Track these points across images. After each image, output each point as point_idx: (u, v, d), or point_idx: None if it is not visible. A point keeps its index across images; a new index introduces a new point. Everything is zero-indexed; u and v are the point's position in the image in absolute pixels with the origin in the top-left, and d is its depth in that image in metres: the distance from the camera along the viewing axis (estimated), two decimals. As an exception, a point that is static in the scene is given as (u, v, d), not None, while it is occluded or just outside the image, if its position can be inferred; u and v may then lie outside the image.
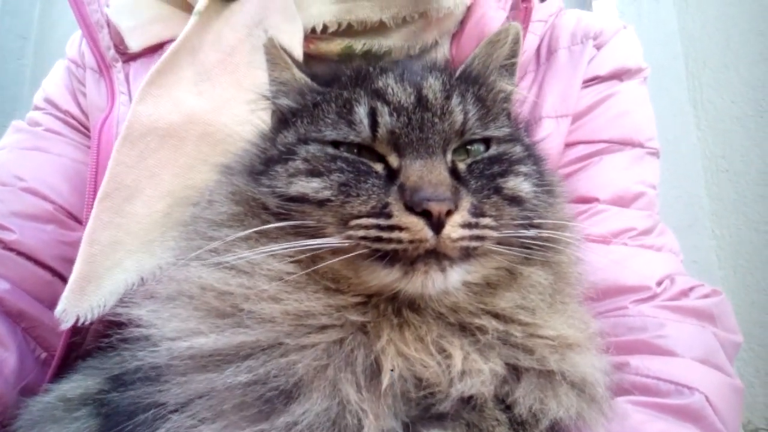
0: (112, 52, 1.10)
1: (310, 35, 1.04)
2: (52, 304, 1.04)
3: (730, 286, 2.03)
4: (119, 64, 1.09)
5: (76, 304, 0.89)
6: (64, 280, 1.06)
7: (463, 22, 1.12)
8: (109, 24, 1.11)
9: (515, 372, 0.64)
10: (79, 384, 0.84)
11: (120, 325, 0.94)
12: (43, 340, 1.04)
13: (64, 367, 0.98)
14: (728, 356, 0.86)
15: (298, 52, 1.00)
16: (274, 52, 0.81)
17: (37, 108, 1.24)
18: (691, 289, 0.92)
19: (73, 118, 1.20)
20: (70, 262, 1.01)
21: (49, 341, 1.04)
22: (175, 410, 0.60)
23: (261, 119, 0.85)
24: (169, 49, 0.97)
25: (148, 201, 0.92)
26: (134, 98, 0.95)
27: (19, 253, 1.04)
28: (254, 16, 1.00)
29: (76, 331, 0.99)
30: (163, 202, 0.93)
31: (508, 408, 0.63)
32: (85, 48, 1.19)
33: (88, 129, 1.18)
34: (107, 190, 0.92)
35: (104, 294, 0.90)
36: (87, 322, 0.90)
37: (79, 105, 1.20)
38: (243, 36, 0.99)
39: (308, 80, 0.79)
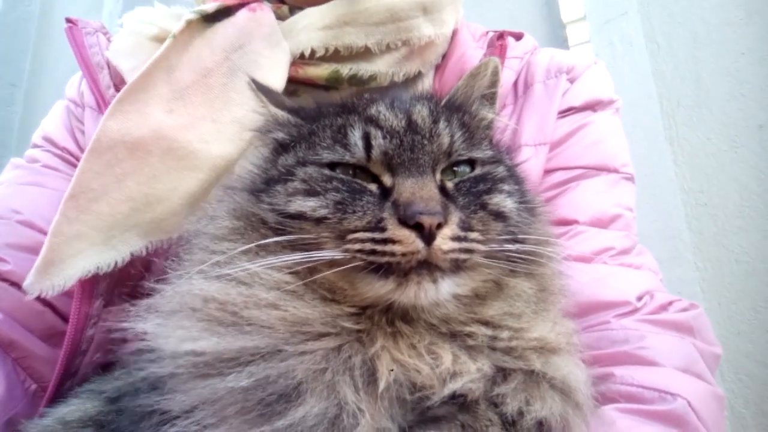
0: (112, 91, 1.14)
1: (299, 60, 1.09)
2: (42, 335, 1.06)
3: (715, 318, 2.04)
4: None
5: (40, 281, 0.94)
6: (54, 310, 1.08)
7: (445, 57, 1.19)
8: (108, 65, 1.16)
9: (503, 373, 0.67)
10: (78, 407, 0.85)
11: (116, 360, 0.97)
12: (34, 371, 1.04)
13: (58, 396, 0.97)
14: (709, 367, 0.89)
15: (281, 77, 1.05)
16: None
17: (35, 146, 1.27)
18: (670, 303, 0.96)
19: (71, 154, 1.23)
20: (63, 293, 1.02)
21: (40, 372, 1.04)
22: (179, 417, 0.62)
23: (229, 139, 0.93)
24: (142, 69, 1.01)
25: (113, 203, 0.97)
26: (105, 113, 0.99)
27: (12, 284, 1.05)
28: (234, 41, 1.05)
29: (72, 356, 1.00)
30: (126, 205, 0.97)
31: (500, 410, 0.66)
32: (84, 88, 1.24)
33: None
34: (73, 192, 0.96)
35: (64, 277, 0.95)
36: (47, 295, 0.95)
37: (77, 142, 1.24)
38: (220, 59, 1.04)
39: (284, 113, 0.84)
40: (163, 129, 0.99)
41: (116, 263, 0.98)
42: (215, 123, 0.99)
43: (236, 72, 1.03)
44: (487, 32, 1.27)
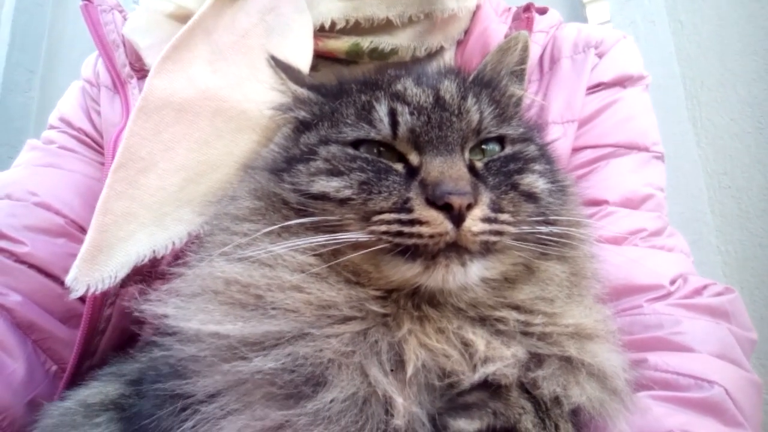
0: (127, 69, 1.13)
1: (319, 33, 1.06)
2: (62, 317, 1.06)
3: (738, 302, 2.02)
4: (134, 81, 1.12)
5: (87, 273, 0.89)
6: None
7: (467, 33, 1.16)
8: (124, 43, 1.14)
9: (537, 359, 0.64)
10: (99, 390, 0.84)
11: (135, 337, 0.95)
12: (54, 353, 1.04)
13: (77, 377, 0.98)
14: (744, 352, 0.86)
15: (310, 44, 1.03)
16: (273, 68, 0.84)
17: (51, 127, 1.26)
18: (705, 287, 0.93)
19: (87, 135, 1.22)
20: None
21: (60, 354, 1.05)
22: (203, 402, 0.61)
23: (273, 99, 0.86)
24: (184, 28, 0.98)
25: (163, 174, 0.93)
26: (150, 73, 0.97)
27: (31, 266, 1.04)
28: (267, 4, 1.03)
29: (90, 336, 1.00)
30: (178, 176, 0.93)
31: (533, 397, 0.63)
32: (100, 67, 1.23)
33: (101, 146, 1.20)
34: (122, 161, 0.92)
35: (115, 265, 0.90)
36: (96, 293, 0.90)
37: (92, 123, 1.23)
38: (256, 20, 1.02)
39: (305, 91, 0.82)
40: (209, 89, 0.97)
41: (173, 244, 0.93)
42: (260, 83, 0.95)
43: (272, 33, 1.01)
44: (510, 8, 1.23)
